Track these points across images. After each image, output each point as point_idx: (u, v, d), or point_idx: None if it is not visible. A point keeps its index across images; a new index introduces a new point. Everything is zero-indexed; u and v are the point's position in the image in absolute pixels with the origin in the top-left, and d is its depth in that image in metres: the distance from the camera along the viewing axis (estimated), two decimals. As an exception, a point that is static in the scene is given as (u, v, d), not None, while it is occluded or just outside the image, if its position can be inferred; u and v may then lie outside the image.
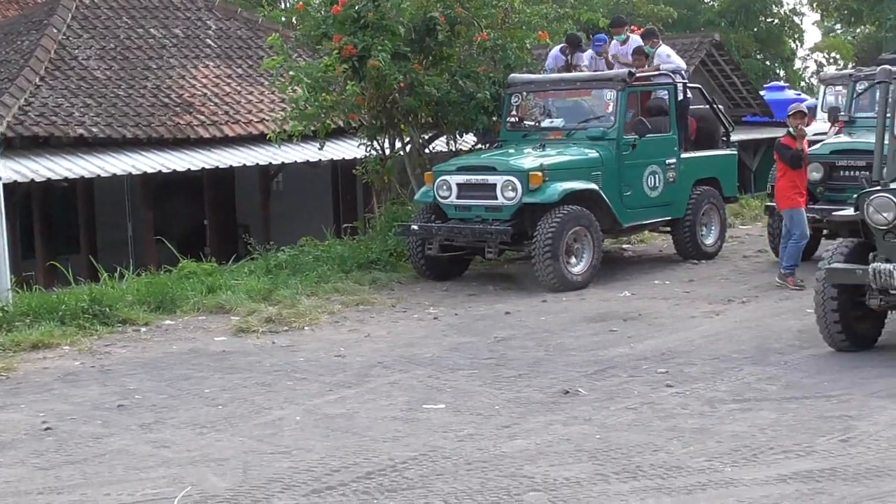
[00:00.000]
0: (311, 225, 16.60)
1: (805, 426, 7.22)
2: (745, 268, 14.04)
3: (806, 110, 12.79)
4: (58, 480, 6.78)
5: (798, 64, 49.90)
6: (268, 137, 16.40)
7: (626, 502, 5.96)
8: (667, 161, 13.86)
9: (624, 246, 16.05)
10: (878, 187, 8.87)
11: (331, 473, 6.67)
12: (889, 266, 8.56)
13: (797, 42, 45.49)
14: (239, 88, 19.96)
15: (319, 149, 16.35)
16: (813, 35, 60.10)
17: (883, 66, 9.84)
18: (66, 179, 16.27)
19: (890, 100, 9.44)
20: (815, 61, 54.75)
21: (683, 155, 14.12)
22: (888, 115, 9.37)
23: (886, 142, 9.30)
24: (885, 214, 8.65)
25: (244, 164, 17.31)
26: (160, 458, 7.11)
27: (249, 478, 6.67)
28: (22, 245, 17.54)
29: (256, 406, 8.35)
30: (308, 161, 17.89)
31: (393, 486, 6.41)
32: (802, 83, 46.75)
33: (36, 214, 18.16)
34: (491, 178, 12.78)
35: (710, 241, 14.60)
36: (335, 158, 18.44)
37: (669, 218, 14.18)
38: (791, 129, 12.22)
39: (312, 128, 15.31)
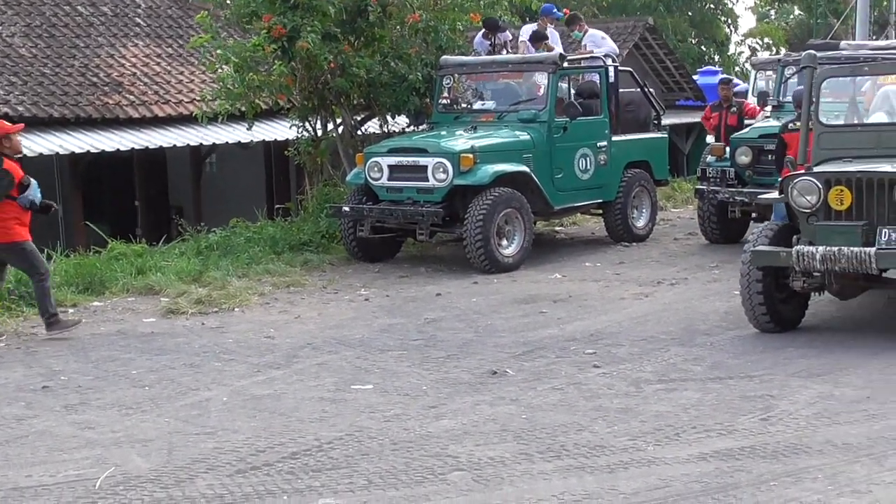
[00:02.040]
0: (245, 206, 16.48)
1: (727, 405, 7.31)
2: (675, 250, 14.17)
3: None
4: (-22, 462, 6.70)
5: (732, 49, 50.31)
6: (194, 115, 16.26)
7: (548, 481, 6.00)
8: (598, 144, 13.94)
9: (556, 228, 16.14)
10: (802, 171, 8.98)
11: (256, 454, 6.65)
12: (812, 248, 8.67)
13: (731, 27, 45.88)
14: (169, 68, 19.73)
15: (248, 129, 16.24)
16: (747, 21, 60.70)
17: (808, 52, 9.94)
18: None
19: (814, 84, 9.55)
20: (750, 47, 55.27)
21: (614, 138, 14.19)
22: (813, 99, 9.48)
23: (811, 126, 9.42)
24: (808, 198, 8.76)
25: (174, 145, 17.12)
26: (84, 440, 7.05)
27: (174, 458, 6.62)
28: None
29: (183, 387, 8.29)
30: (239, 142, 17.73)
31: (318, 465, 6.40)
32: (737, 68, 47.13)
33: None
34: (422, 160, 12.77)
35: (640, 223, 14.71)
36: (268, 140, 18.31)
37: (601, 201, 14.25)
38: None
39: (240, 108, 15.19)
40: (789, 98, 13.53)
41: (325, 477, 6.20)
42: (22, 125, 10.62)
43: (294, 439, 6.90)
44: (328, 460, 6.49)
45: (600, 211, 14.68)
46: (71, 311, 11.12)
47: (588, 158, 13.79)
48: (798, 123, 11.77)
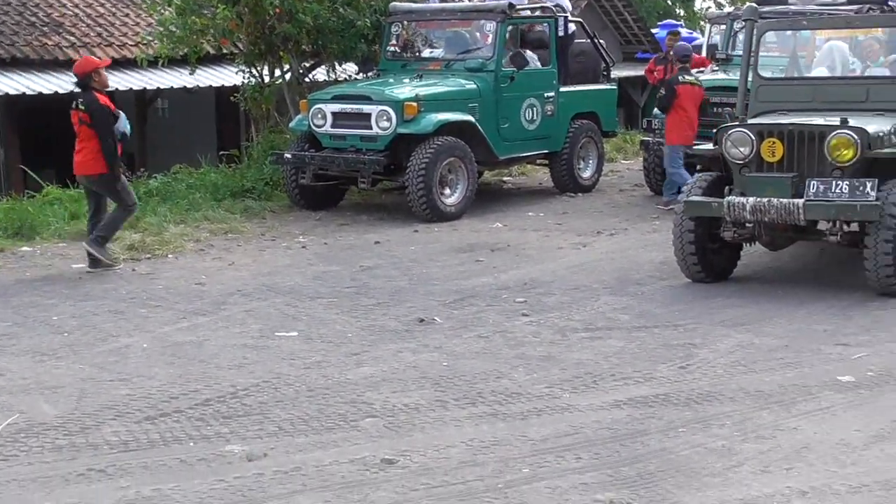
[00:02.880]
0: (195, 153, 16.19)
1: (648, 354, 7.29)
2: (619, 201, 14.10)
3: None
4: None
5: (699, 4, 50.13)
6: (135, 58, 15.98)
7: (460, 427, 5.93)
8: (545, 94, 13.79)
9: (504, 178, 16.01)
10: (737, 122, 8.92)
11: (168, 400, 6.54)
12: (742, 199, 8.63)
13: (698, -19, 45.62)
14: (113, 10, 19.24)
15: (190, 73, 15.98)
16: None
17: (749, 5, 9.85)
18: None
19: (755, 38, 9.47)
20: (715, 1, 55.13)
21: (562, 88, 14.04)
22: (752, 52, 9.40)
23: (750, 79, 9.35)
24: (741, 149, 8.71)
25: (116, 89, 16.71)
26: (-8, 386, 6.91)
27: (83, 405, 6.50)
28: None
29: (104, 334, 8.15)
30: (185, 87, 17.44)
31: (229, 412, 6.30)
32: (701, 22, 46.97)
33: None
34: (366, 108, 12.59)
35: (586, 174, 14.60)
36: (214, 85, 18.00)
37: (547, 151, 14.14)
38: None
39: (182, 52, 14.94)
40: (739, 51, 13.42)
41: (236, 423, 6.10)
42: (109, 60, 10.98)
43: (209, 386, 6.80)
44: (241, 407, 6.39)
45: (547, 161, 14.56)
46: (-2, 256, 10.94)
47: (535, 109, 13.65)
48: (689, 77, 12.40)
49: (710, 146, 9.34)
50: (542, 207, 13.56)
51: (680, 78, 12.61)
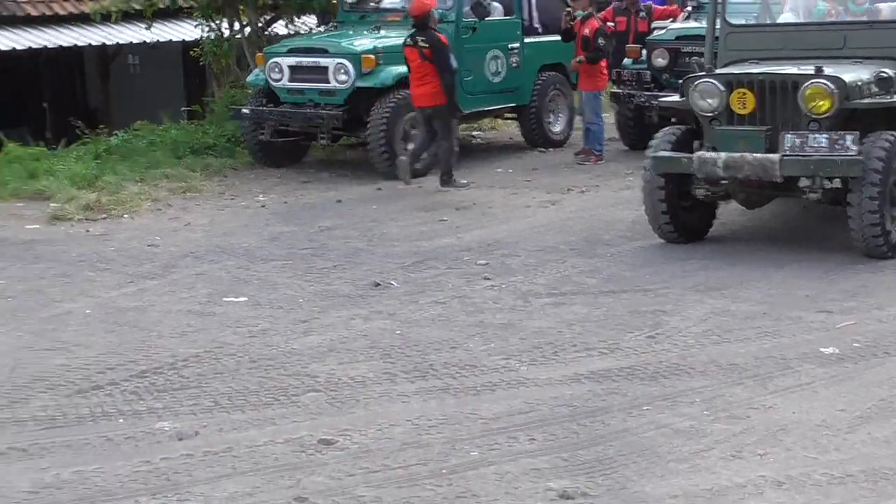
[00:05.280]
0: (162, 109, 15.72)
1: (615, 321, 6.89)
2: (591, 157, 13.67)
3: None
4: None
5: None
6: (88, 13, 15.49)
7: (407, 403, 5.56)
8: (510, 45, 13.32)
9: (473, 133, 15.57)
10: (704, 73, 8.50)
11: (104, 371, 6.18)
12: (714, 154, 8.22)
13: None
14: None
15: (147, 28, 15.50)
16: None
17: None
18: None
19: None
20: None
21: (528, 39, 13.59)
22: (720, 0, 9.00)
23: (718, 27, 8.92)
24: (708, 101, 8.29)
25: (75, 45, 16.20)
26: (-80, 356, 6.53)
27: (15, 376, 6.15)
28: None
29: (48, 298, 7.79)
30: (145, 42, 16.91)
31: (166, 385, 5.94)
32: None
33: None
34: (323, 61, 12.15)
35: (557, 128, 14.16)
36: (175, 39, 17.43)
37: (514, 105, 13.70)
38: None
39: (136, 6, 14.47)
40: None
41: (170, 398, 5.74)
42: (435, 2, 11.47)
43: (148, 356, 6.44)
44: (178, 379, 6.03)
45: (515, 115, 14.14)
46: (-52, 216, 10.52)
47: (499, 60, 13.19)
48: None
49: (676, 97, 8.93)
50: (512, 163, 13.15)
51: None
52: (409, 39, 11.15)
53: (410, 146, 11.76)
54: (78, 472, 4.85)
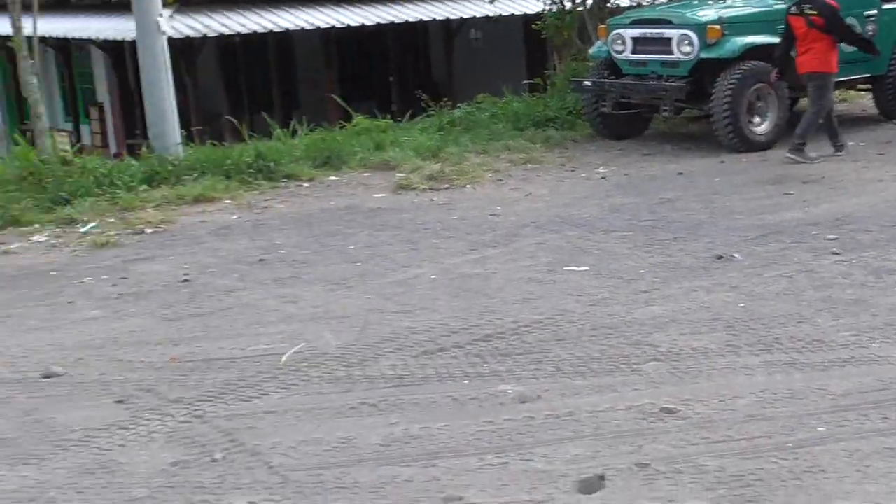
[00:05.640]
0: (504, 82, 16.08)
1: (978, 301, 6.46)
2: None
3: None
4: (179, 332, 6.72)
5: None
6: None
7: (751, 376, 5.42)
8: (865, 13, 12.67)
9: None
10: None
11: (448, 335, 6.36)
12: None
13: None
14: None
15: (489, 3, 15.77)
16: None
17: None
18: (237, 35, 16.13)
19: None
20: None
21: (885, 6, 12.88)
22: None
23: None
24: None
25: (420, 20, 16.80)
26: (283, 314, 6.96)
27: (364, 336, 6.42)
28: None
29: (395, 264, 8.11)
30: (487, 16, 17.27)
31: (508, 349, 6.05)
32: None
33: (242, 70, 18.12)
34: (666, 32, 12.00)
35: (919, 100, 13.39)
36: (517, 13, 17.75)
37: (869, 75, 13.05)
38: None
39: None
40: None
41: (513, 362, 5.85)
42: None
43: (491, 321, 6.57)
44: (520, 344, 6.13)
45: (869, 86, 13.46)
46: (305, 185, 11.16)
47: (855, 28, 12.58)
48: None
49: None
50: (864, 136, 12.55)
51: None
52: (794, 8, 11.04)
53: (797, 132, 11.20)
54: (425, 428, 5.01)
